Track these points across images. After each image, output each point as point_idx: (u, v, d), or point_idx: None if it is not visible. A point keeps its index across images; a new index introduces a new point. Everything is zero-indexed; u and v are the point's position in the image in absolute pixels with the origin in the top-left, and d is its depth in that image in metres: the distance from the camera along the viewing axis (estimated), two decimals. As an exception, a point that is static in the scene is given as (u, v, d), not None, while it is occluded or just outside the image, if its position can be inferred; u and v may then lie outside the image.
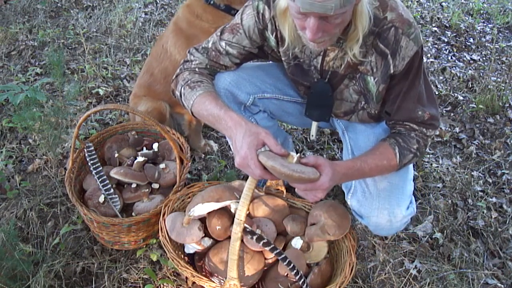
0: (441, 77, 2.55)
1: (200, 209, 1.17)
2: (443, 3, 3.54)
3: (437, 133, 1.66)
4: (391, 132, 1.24)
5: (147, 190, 1.49)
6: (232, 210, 1.22)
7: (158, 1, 3.30)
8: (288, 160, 0.99)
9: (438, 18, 3.26)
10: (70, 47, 2.65)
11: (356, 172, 1.12)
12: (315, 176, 0.98)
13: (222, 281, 1.16)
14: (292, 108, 1.42)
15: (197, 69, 1.25)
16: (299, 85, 1.31)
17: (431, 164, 1.88)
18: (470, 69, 2.67)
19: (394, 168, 1.17)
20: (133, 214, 1.46)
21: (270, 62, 1.38)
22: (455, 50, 2.89)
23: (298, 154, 1.01)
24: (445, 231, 1.58)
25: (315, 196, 1.03)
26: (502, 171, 1.90)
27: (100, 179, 1.43)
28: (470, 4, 3.56)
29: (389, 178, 1.26)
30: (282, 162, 0.95)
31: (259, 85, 1.33)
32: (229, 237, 1.05)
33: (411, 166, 1.34)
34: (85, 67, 2.39)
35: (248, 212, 1.25)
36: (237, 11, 1.20)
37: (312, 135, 1.42)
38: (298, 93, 1.38)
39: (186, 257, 1.30)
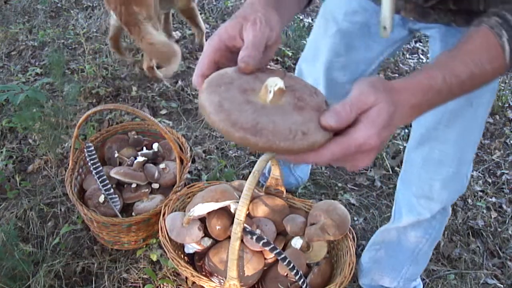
0: (441, 77, 2.55)
1: (200, 209, 1.17)
2: (443, 3, 3.55)
3: None
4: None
5: (147, 190, 1.50)
6: (232, 210, 1.22)
7: (158, 1, 3.30)
8: (260, 96, 0.49)
9: (438, 18, 3.26)
10: (70, 47, 2.65)
11: (436, 96, 0.55)
12: (315, 139, 0.47)
13: (222, 281, 1.16)
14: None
15: None
16: None
17: (431, 164, 1.88)
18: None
19: (501, 71, 0.62)
20: (133, 214, 1.46)
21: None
22: (455, 50, 2.89)
23: (280, 81, 0.49)
24: (445, 231, 1.58)
25: (353, 165, 0.52)
26: (502, 171, 1.90)
27: (100, 179, 1.44)
28: (470, 4, 3.57)
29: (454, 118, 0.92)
30: (240, 107, 0.47)
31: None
32: (229, 237, 1.05)
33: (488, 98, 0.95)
34: (85, 67, 2.38)
35: (248, 212, 1.25)
36: None
37: (385, 27, 0.74)
38: None
39: (186, 257, 1.30)
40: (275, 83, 0.49)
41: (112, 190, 1.44)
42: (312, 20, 2.83)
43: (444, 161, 1.00)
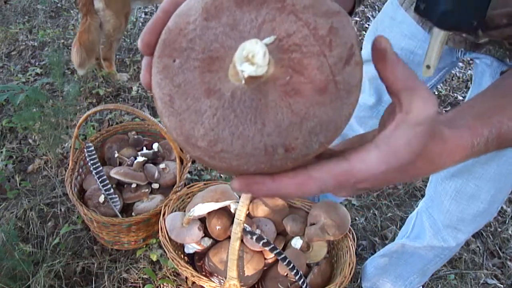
0: (441, 77, 2.55)
1: (200, 209, 1.18)
2: (443, 3, 3.55)
3: None
4: None
5: (147, 190, 1.50)
6: (232, 210, 1.22)
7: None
8: (230, 74, 0.29)
9: (438, 18, 3.26)
10: (70, 47, 2.65)
11: (470, 157, 0.38)
12: (307, 152, 0.28)
13: (222, 281, 1.16)
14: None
15: None
16: None
17: (431, 164, 1.88)
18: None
19: None
20: (133, 214, 1.46)
21: None
22: (455, 50, 2.90)
23: (259, 54, 0.27)
24: (444, 231, 1.58)
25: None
26: (502, 171, 1.90)
27: (100, 179, 1.44)
28: (470, 4, 3.56)
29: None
30: (196, 105, 0.29)
31: None
32: (229, 237, 1.05)
33: None
34: (85, 67, 2.38)
35: (248, 212, 1.25)
36: None
37: (429, 66, 0.67)
38: None
39: (186, 257, 1.30)
40: (246, 59, 0.27)
41: (112, 190, 1.44)
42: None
43: (477, 196, 0.97)
